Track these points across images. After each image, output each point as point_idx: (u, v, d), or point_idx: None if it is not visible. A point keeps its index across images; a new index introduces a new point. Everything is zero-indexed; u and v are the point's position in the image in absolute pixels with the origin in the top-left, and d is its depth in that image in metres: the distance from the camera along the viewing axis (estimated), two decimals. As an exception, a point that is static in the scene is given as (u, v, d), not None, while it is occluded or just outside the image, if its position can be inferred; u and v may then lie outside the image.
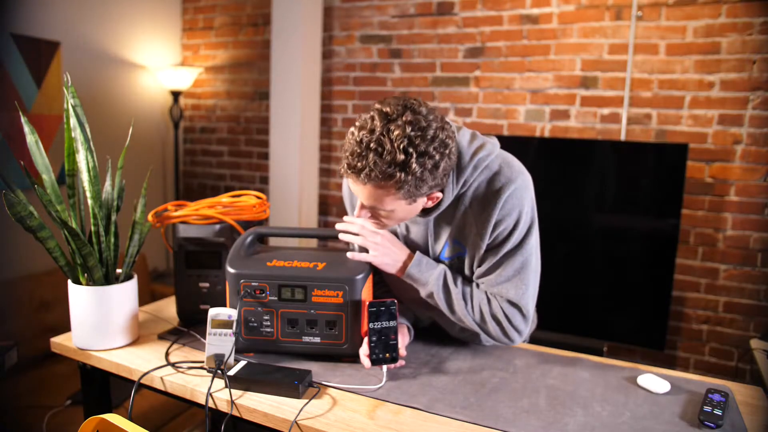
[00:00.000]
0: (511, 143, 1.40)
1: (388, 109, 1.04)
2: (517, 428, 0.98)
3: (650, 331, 2.42)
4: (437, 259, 1.28)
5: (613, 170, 2.50)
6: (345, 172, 1.07)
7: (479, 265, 1.23)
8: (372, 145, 1.01)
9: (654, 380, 1.14)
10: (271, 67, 3.17)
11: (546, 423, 1.00)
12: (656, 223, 2.41)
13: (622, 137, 2.58)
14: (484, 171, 1.18)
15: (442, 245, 1.26)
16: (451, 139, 1.07)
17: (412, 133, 1.01)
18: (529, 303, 1.23)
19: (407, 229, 1.30)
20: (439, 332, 1.42)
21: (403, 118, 1.02)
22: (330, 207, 3.40)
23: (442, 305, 1.24)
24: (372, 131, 1.02)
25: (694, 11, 2.40)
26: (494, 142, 1.22)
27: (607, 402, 1.08)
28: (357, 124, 1.06)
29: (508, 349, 1.34)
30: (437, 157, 1.04)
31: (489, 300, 1.23)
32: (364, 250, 1.27)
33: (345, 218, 1.24)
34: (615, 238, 2.50)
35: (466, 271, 1.27)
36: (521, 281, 1.21)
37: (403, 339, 1.27)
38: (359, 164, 1.02)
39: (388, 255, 1.22)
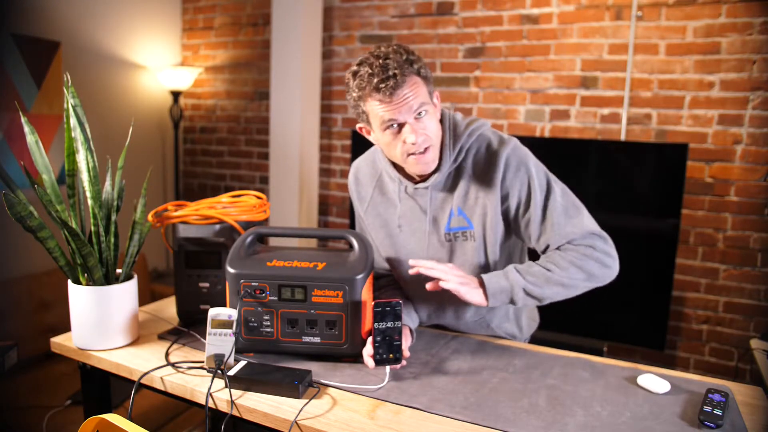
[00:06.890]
0: (511, 143, 1.41)
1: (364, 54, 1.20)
2: (517, 428, 0.98)
3: (650, 331, 2.42)
4: (444, 234, 1.31)
5: (613, 170, 2.50)
6: (379, 96, 1.14)
7: (527, 231, 1.27)
8: (381, 59, 1.15)
9: (654, 380, 1.14)
10: (271, 67, 3.17)
11: (546, 423, 1.00)
12: (656, 223, 2.41)
13: (622, 137, 2.58)
14: (479, 138, 1.29)
15: (446, 216, 1.30)
16: None
17: (394, 47, 1.18)
18: (592, 224, 1.29)
19: (407, 205, 1.34)
20: (438, 333, 1.42)
21: (380, 48, 1.18)
22: (330, 207, 3.40)
23: (540, 290, 1.23)
24: (370, 56, 1.16)
25: (694, 11, 2.40)
26: (486, 121, 1.33)
27: (607, 402, 1.08)
28: (353, 68, 1.18)
29: (508, 349, 1.34)
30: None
31: (568, 250, 1.25)
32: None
33: (424, 263, 1.21)
34: (615, 238, 2.48)
35: (475, 247, 1.28)
36: (574, 215, 1.27)
37: (406, 340, 1.27)
38: (389, 72, 1.13)
39: (473, 286, 1.22)
